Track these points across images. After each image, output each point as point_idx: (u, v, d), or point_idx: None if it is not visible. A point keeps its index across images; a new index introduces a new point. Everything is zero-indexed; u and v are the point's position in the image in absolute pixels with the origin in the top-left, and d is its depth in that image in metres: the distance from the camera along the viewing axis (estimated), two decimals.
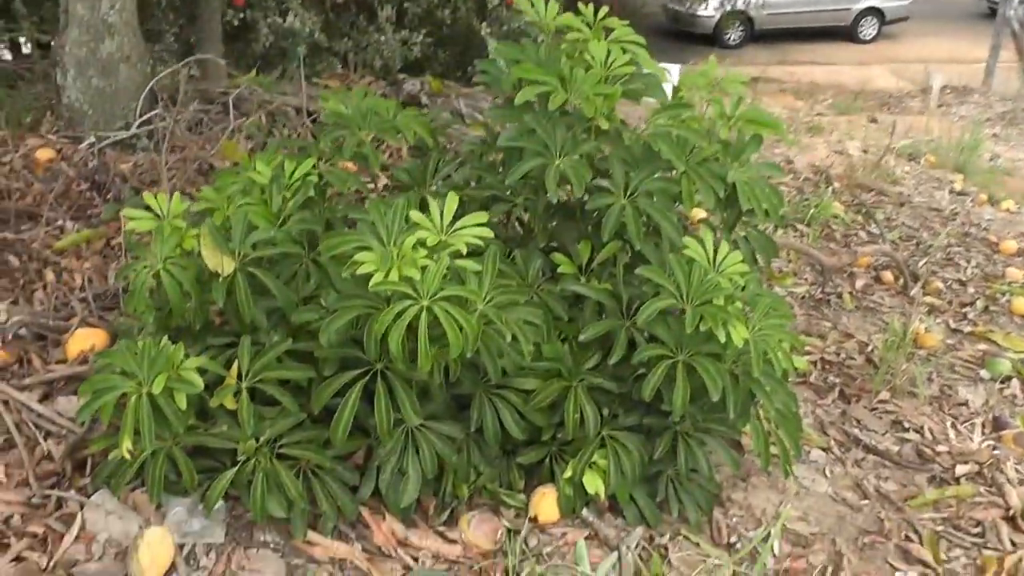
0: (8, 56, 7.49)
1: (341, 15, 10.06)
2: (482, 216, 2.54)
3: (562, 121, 2.93)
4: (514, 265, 2.94)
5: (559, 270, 2.98)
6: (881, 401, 4.11)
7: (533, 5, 3.23)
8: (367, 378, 2.58)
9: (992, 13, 20.33)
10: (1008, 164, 8.87)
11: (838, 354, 4.56)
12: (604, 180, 2.94)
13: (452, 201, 2.53)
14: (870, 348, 4.60)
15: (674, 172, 3.00)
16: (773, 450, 3.02)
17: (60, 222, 4.22)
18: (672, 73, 3.33)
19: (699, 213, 4.91)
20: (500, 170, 3.18)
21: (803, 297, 5.20)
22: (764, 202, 3.03)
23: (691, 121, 3.09)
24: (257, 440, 2.61)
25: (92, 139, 4.86)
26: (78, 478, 2.81)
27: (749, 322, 2.75)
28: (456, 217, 2.58)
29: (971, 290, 5.58)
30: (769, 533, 3.09)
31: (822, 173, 7.20)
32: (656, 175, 2.96)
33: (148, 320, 2.72)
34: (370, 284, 2.32)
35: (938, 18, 22.52)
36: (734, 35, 20.88)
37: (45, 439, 2.92)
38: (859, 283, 5.48)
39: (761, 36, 20.84)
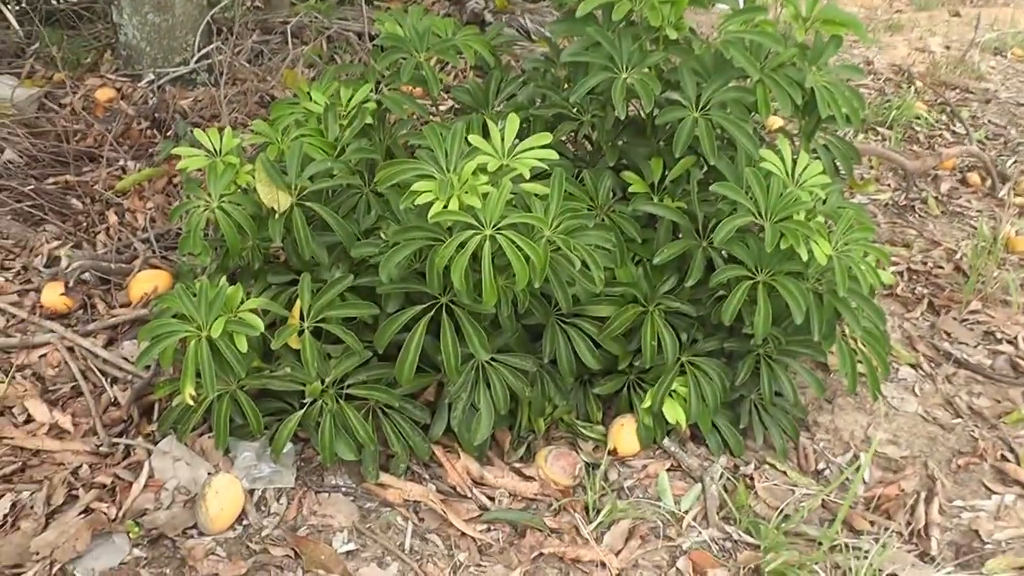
0: None
1: None
2: (546, 136, 2.39)
3: (628, 32, 2.76)
4: (583, 186, 2.80)
5: (630, 189, 2.83)
6: (972, 312, 3.92)
7: None
8: (432, 312, 2.47)
9: None
10: None
11: (925, 263, 4.36)
12: (674, 93, 2.76)
13: (513, 122, 2.39)
14: (958, 255, 4.39)
15: (748, 80, 2.83)
16: (860, 368, 2.87)
17: (121, 162, 4.16)
18: None
19: (776, 122, 4.70)
20: (565, 87, 3.03)
21: (886, 204, 4.98)
22: (844, 107, 2.84)
23: (764, 24, 2.90)
24: (323, 381, 2.53)
25: (151, 76, 4.79)
26: (145, 424, 2.77)
27: (832, 237, 2.59)
28: (520, 138, 2.45)
29: None
30: (859, 459, 2.96)
31: (903, 72, 6.89)
32: (729, 85, 2.78)
33: (205, 261, 2.63)
34: (429, 215, 2.19)
35: None
36: None
37: (112, 385, 2.88)
38: (944, 187, 5.24)
39: None
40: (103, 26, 5.67)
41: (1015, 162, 5.62)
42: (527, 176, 2.29)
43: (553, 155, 2.35)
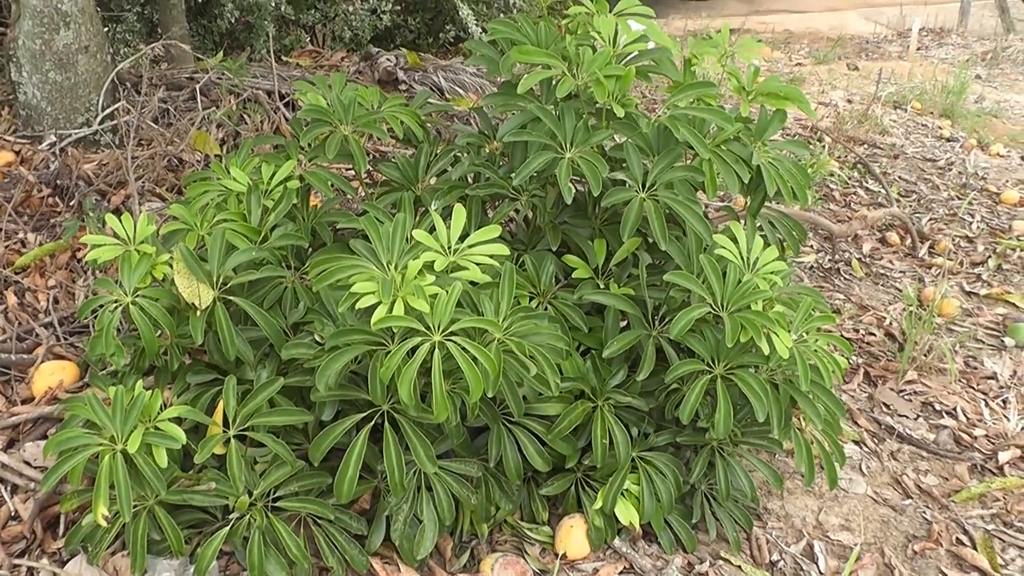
0: None
1: None
2: (494, 230, 2.22)
3: (570, 108, 2.63)
4: (524, 271, 2.64)
5: (574, 275, 2.68)
6: (909, 382, 3.87)
7: None
8: (372, 423, 2.27)
9: None
10: (994, 106, 8.61)
11: (856, 331, 4.31)
12: (619, 172, 2.63)
13: (460, 215, 2.22)
14: (888, 321, 4.34)
15: (694, 157, 2.71)
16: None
17: (21, 235, 3.88)
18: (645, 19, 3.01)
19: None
20: (501, 163, 2.88)
21: (811, 267, 4.94)
22: (791, 183, 2.75)
23: (708, 98, 2.80)
24: (250, 494, 2.31)
25: (53, 138, 4.51)
26: (50, 541, 2.50)
27: (790, 326, 2.47)
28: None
29: (980, 247, 5.36)
30: (813, 548, 2.84)
31: (812, 129, 6.92)
32: (676, 164, 2.66)
33: (119, 363, 2.40)
34: (373, 321, 1.99)
35: None
36: None
37: (12, 495, 2.62)
38: (866, 247, 5.24)
39: None
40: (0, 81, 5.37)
41: (930, 220, 5.65)
42: (478, 276, 2.11)
43: (504, 250, 2.19)
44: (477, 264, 2.12)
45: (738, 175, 2.65)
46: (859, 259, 5.08)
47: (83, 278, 3.62)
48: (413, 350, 2.02)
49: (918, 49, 12.14)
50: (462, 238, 2.24)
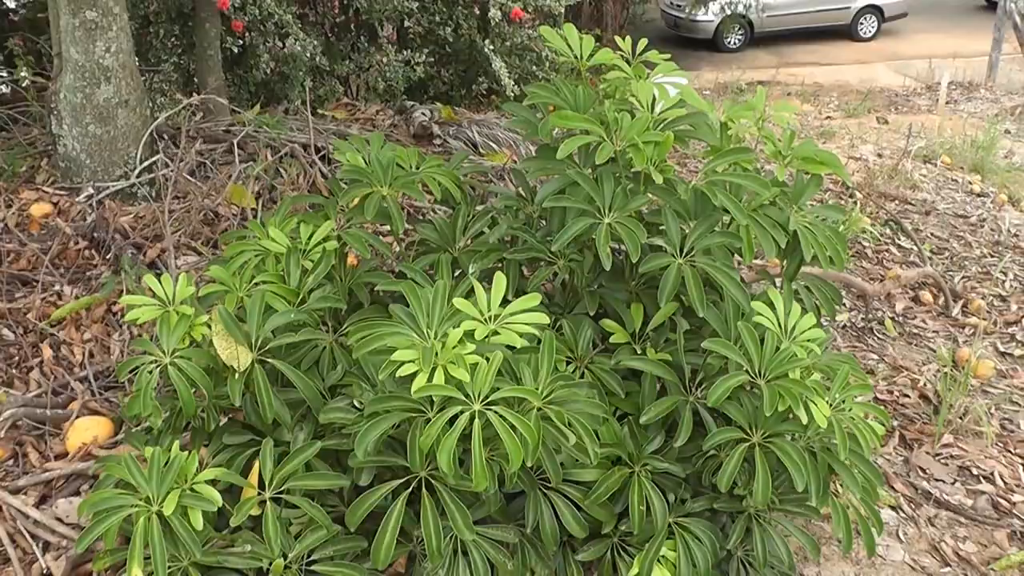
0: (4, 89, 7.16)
1: (342, 37, 9.78)
2: (534, 298, 2.22)
3: (609, 173, 2.63)
4: (561, 336, 2.63)
5: (611, 339, 2.68)
6: (945, 445, 3.82)
7: (567, 42, 2.94)
8: (409, 489, 2.26)
9: (989, 6, 20.09)
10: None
11: (891, 392, 4.26)
12: (657, 237, 2.63)
13: (500, 284, 2.22)
14: (923, 383, 4.30)
15: (730, 221, 2.71)
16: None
17: (57, 287, 3.92)
18: (679, 83, 3.03)
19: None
20: (538, 225, 2.89)
21: (844, 326, 4.91)
22: (828, 248, 2.74)
23: (745, 162, 2.80)
24: (285, 556, 2.30)
25: (90, 190, 4.57)
26: None
27: (828, 394, 2.45)
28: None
29: (1014, 307, 5.30)
30: None
31: (843, 184, 6.90)
32: (714, 229, 2.66)
33: (157, 423, 2.41)
34: (413, 389, 1.99)
35: (936, 13, 22.19)
36: (734, 39, 20.55)
37: (44, 552, 2.62)
38: (899, 306, 5.19)
39: (761, 39, 20.53)
40: (39, 131, 5.44)
41: (963, 278, 5.61)
42: (517, 343, 2.11)
43: (544, 319, 2.18)
44: (518, 333, 2.11)
45: (775, 240, 2.65)
46: (892, 318, 5.04)
47: (118, 332, 3.65)
48: (453, 419, 2.01)
49: (947, 103, 12.14)
50: (502, 302, 2.24)
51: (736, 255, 2.74)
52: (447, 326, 2.15)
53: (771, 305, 2.57)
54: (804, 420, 2.32)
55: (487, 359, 2.05)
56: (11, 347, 3.53)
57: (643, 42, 3.05)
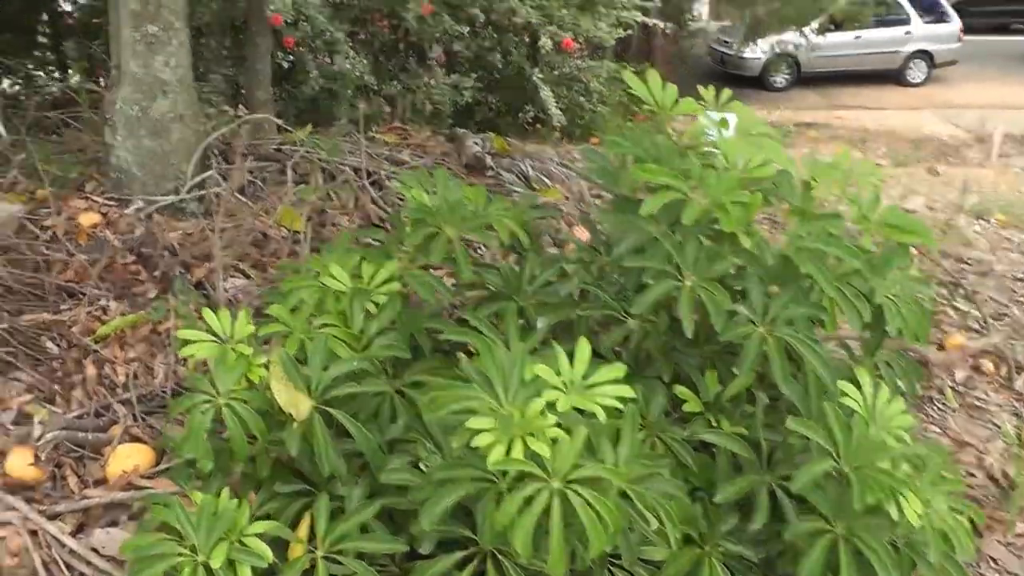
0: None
1: (391, 57, 9.74)
2: (620, 369, 2.08)
3: (691, 232, 2.51)
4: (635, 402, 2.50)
5: (684, 407, 2.54)
6: (1018, 535, 3.63)
7: (650, 91, 2.82)
8: (473, 561, 2.12)
9: None
10: None
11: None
12: (739, 304, 2.49)
13: (583, 351, 2.08)
14: (989, 462, 4.12)
15: (812, 289, 2.58)
16: None
17: (103, 301, 3.81)
18: (729, 122, 2.91)
19: None
20: (610, 280, 2.76)
21: (902, 393, 4.73)
22: (912, 323, 2.61)
23: (832, 228, 2.67)
24: None
25: (140, 203, 4.47)
26: None
27: (919, 489, 2.30)
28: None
29: None
30: None
31: None
32: (800, 299, 2.52)
33: (206, 468, 2.29)
34: (490, 462, 1.86)
35: (987, 61, 21.96)
36: (781, 78, 20.46)
37: None
38: (959, 375, 5.00)
39: (808, 79, 20.39)
40: (90, 138, 5.36)
41: None
42: (603, 420, 1.97)
43: (630, 392, 2.04)
44: (602, 406, 1.98)
45: (859, 312, 2.52)
46: (952, 387, 4.86)
47: (163, 353, 3.53)
48: (531, 499, 1.87)
49: (999, 156, 11.94)
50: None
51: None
52: (526, 393, 2.01)
53: (856, 384, 2.42)
54: (895, 516, 2.17)
55: (568, 431, 1.92)
56: (54, 360, 3.42)
57: (726, 92, 2.93)
